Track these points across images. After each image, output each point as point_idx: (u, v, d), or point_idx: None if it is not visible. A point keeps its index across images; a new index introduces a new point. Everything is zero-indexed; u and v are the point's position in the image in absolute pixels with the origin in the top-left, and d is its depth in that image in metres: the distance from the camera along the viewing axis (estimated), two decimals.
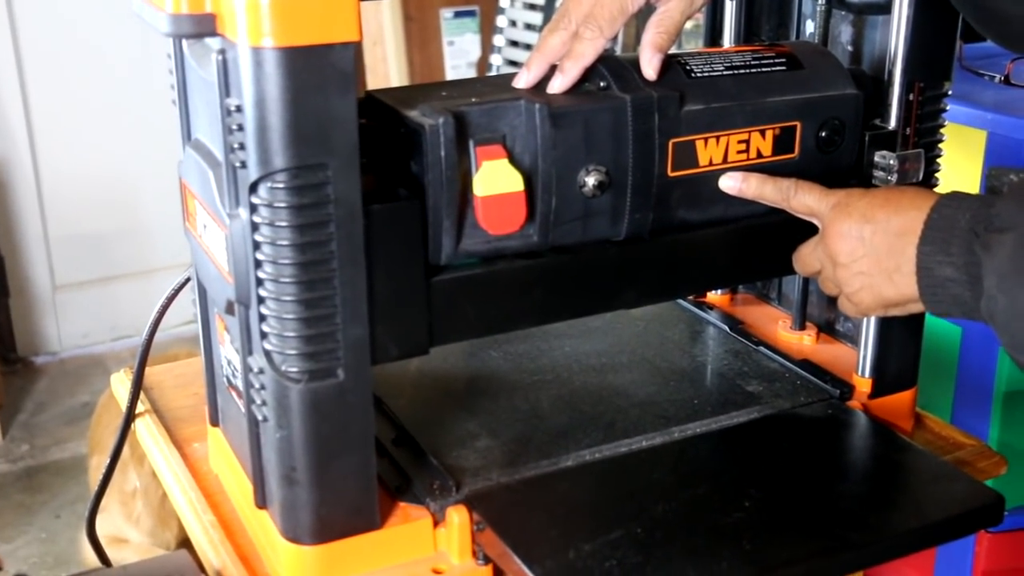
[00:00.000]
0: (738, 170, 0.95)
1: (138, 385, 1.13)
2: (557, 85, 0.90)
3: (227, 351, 0.94)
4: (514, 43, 3.45)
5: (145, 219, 3.42)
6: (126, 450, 1.18)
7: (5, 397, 3.09)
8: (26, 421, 3.06)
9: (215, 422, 1.03)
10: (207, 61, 0.82)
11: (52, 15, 3.19)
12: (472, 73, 3.54)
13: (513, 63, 3.39)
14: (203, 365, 1.02)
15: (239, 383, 0.90)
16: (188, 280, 1.05)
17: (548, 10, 3.28)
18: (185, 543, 2.04)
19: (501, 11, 3.46)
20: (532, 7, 3.37)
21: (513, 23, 3.45)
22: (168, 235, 3.35)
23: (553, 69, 0.91)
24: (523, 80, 0.91)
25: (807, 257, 0.98)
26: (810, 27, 1.14)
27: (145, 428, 1.14)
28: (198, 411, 1.13)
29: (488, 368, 1.14)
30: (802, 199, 0.95)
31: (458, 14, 3.53)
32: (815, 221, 0.96)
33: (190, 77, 0.91)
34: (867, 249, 0.89)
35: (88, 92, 3.27)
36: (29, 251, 3.31)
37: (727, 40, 1.20)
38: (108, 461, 1.15)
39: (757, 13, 1.20)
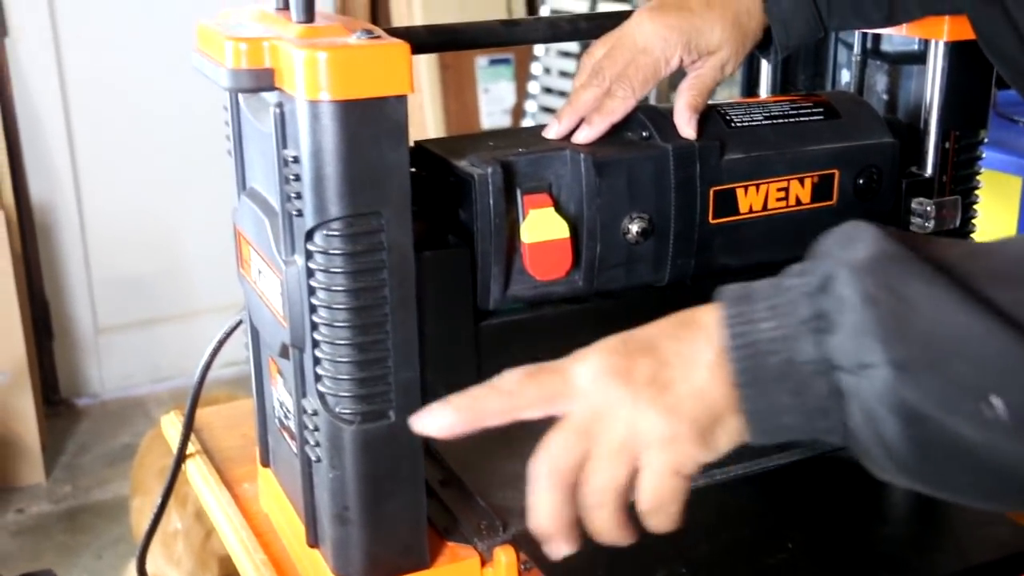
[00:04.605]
0: (778, 217, 0.96)
1: (189, 426, 1.15)
2: (583, 136, 0.92)
3: (279, 393, 0.96)
4: (548, 90, 3.49)
5: (187, 262, 3.46)
6: None
7: (48, 438, 3.13)
8: (68, 462, 3.10)
9: (266, 463, 1.05)
10: (264, 114, 0.85)
11: (98, 60, 3.26)
12: (507, 120, 3.58)
13: (548, 110, 3.43)
14: (255, 407, 1.05)
15: (292, 424, 0.92)
16: (239, 323, 1.08)
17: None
18: None
19: (535, 59, 3.51)
20: (566, 55, 3.42)
21: (548, 70, 3.49)
22: (210, 278, 3.39)
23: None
24: (553, 131, 0.94)
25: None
26: (846, 76, 1.16)
27: (195, 468, 1.16)
28: (247, 452, 1.15)
29: None
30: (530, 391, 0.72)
31: (493, 62, 3.58)
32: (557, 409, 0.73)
33: (245, 128, 0.94)
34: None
35: (132, 137, 3.33)
36: (73, 294, 3.36)
37: (763, 90, 1.22)
38: (159, 500, 1.17)
39: (793, 63, 1.22)
